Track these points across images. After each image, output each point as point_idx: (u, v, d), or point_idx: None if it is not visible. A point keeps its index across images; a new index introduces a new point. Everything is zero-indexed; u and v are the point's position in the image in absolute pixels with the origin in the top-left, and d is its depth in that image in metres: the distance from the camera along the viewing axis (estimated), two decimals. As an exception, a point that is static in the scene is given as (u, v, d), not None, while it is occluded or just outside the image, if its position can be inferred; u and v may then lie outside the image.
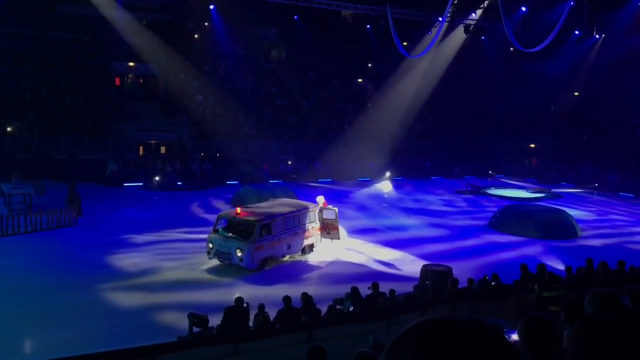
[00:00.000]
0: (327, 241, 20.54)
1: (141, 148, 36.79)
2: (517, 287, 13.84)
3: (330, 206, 20.77)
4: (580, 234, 24.27)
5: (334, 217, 20.38)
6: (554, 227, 23.67)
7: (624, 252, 18.48)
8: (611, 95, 41.76)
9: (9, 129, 33.13)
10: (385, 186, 35.76)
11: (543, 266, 13.95)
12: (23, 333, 12.90)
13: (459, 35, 39.43)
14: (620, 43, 40.16)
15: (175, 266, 17.81)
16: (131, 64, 39.71)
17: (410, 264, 18.75)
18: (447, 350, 1.06)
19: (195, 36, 43.63)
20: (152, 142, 37.44)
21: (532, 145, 42.91)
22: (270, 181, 34.15)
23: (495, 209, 27.10)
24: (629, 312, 4.11)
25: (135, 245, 20.06)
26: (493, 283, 14.04)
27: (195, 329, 11.72)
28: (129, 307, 14.47)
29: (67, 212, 22.52)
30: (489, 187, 35.31)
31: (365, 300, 12.73)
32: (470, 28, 37.57)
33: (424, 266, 16.42)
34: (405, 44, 36.14)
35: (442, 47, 40.43)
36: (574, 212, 27.02)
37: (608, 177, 36.42)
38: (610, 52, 40.79)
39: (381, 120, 41.05)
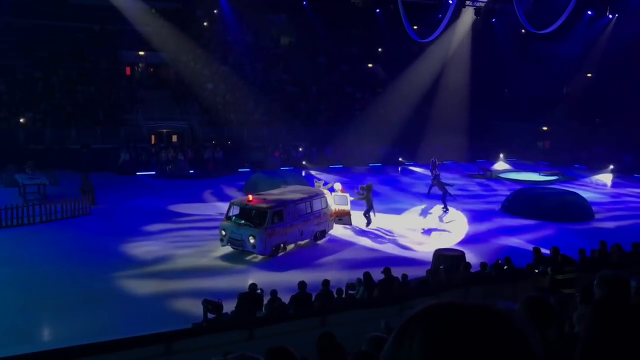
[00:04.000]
0: (339, 227, 20.59)
1: (153, 137, 36.92)
2: (530, 271, 13.80)
3: (342, 192, 20.81)
4: (594, 216, 24.11)
5: (345, 203, 20.41)
6: (567, 210, 23.51)
7: (638, 234, 18.30)
8: (624, 77, 41.18)
9: (21, 120, 33.39)
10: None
11: (556, 249, 13.87)
12: (39, 321, 13.10)
13: (469, 18, 39.04)
14: (635, 23, 39.50)
15: (189, 254, 17.94)
16: (141, 53, 39.80)
17: (423, 249, 18.75)
18: (456, 332, 1.06)
19: (205, 24, 43.58)
20: (164, 131, 37.56)
21: (545, 128, 42.54)
22: (282, 168, 34.20)
23: (508, 193, 26.97)
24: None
25: (149, 234, 20.20)
26: (506, 267, 14.01)
27: (210, 316, 11.81)
28: (144, 294, 14.61)
29: (81, 202, 22.72)
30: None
31: (378, 285, 12.77)
32: (481, 10, 37.19)
33: (437, 251, 16.39)
34: (415, 27, 35.88)
35: (452, 30, 40.07)
36: (587, 195, 26.81)
37: (622, 159, 36.04)
38: (624, 32, 40.14)
39: (392, 105, 40.87)
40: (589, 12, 40.90)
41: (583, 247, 15.44)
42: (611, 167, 34.16)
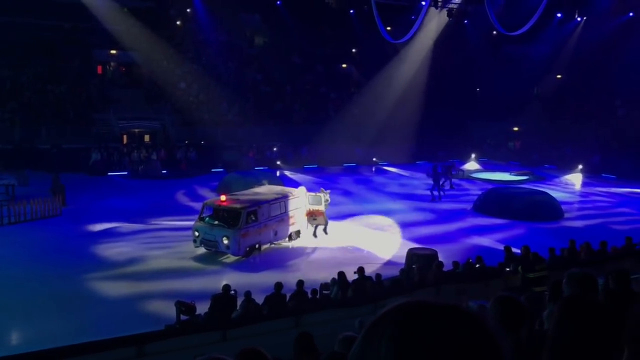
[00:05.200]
0: (313, 227, 20.59)
1: (125, 137, 36.49)
2: (502, 269, 13.99)
3: (320, 192, 20.76)
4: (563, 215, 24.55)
5: (320, 203, 20.43)
6: (537, 209, 23.89)
7: (606, 233, 18.69)
8: (593, 78, 42.03)
9: (-11, 119, 32.71)
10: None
11: (527, 248, 14.08)
12: (9, 324, 12.83)
13: (442, 19, 39.41)
14: (602, 25, 40.37)
15: (162, 255, 17.78)
16: (113, 51, 39.28)
17: (396, 248, 18.86)
18: (424, 332, 1.07)
19: (178, 23, 43.17)
20: (136, 130, 37.15)
21: (516, 128, 43.16)
22: (256, 168, 34.09)
23: (479, 192, 27.30)
24: (609, 291, 4.19)
25: (121, 235, 19.97)
26: (478, 265, 14.18)
27: (183, 317, 11.72)
28: (116, 296, 14.43)
29: (51, 203, 22.35)
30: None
31: (352, 284, 12.82)
32: (453, 12, 37.57)
33: (410, 250, 16.53)
34: (388, 28, 36.07)
35: (425, 32, 40.41)
36: (557, 194, 27.28)
37: (591, 159, 36.75)
38: (592, 34, 41.00)
39: (366, 106, 41.06)
40: (559, 15, 41.65)
41: (553, 246, 15.71)
42: (580, 167, 34.82)
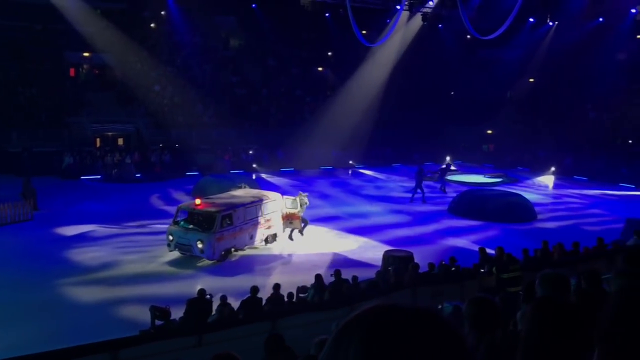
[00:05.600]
0: (289, 230, 20.55)
1: (98, 140, 36.00)
2: (477, 270, 14.12)
3: (300, 195, 20.72)
4: (537, 217, 24.90)
5: (296, 206, 20.41)
6: (511, 211, 24.19)
7: (578, 234, 19.00)
8: (565, 81, 42.76)
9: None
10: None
11: (501, 249, 14.24)
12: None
13: (417, 23, 39.69)
14: (573, 30, 41.10)
15: (136, 259, 17.58)
16: (86, 54, 38.70)
17: (372, 251, 18.91)
18: (392, 335, 1.07)
19: (152, 25, 42.76)
20: (110, 133, 36.69)
21: (490, 131, 43.66)
22: (232, 171, 33.91)
23: (454, 194, 27.55)
24: (582, 291, 4.24)
25: (94, 239, 19.70)
26: (453, 268, 14.27)
27: (158, 322, 11.60)
28: (89, 302, 14.23)
29: (22, 207, 21.95)
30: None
31: (329, 287, 12.82)
32: (428, 16, 37.86)
33: (386, 252, 16.59)
34: (364, 32, 36.17)
35: (400, 36, 40.65)
36: (530, 196, 27.65)
37: (563, 161, 37.35)
38: (563, 38, 41.70)
39: (342, 108, 41.13)
40: (531, 20, 42.25)
41: (526, 247, 15.93)
42: (552, 169, 35.37)
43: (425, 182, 28.84)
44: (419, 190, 27.61)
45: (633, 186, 32.99)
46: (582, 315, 2.17)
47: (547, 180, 34.66)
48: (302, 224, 20.47)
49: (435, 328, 1.09)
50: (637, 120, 38.26)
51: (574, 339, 2.10)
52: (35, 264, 16.66)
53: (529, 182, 34.45)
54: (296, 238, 20.30)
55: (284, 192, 21.89)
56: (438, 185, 30.33)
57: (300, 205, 20.32)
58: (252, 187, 23.91)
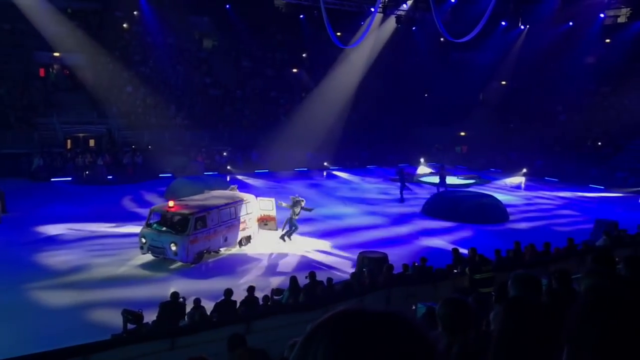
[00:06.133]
0: (264, 232, 20.48)
1: (69, 141, 35.41)
2: (450, 271, 14.24)
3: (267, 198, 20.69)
4: (509, 218, 25.22)
5: (270, 208, 20.34)
6: (484, 212, 24.47)
7: (549, 235, 19.29)
8: (536, 84, 43.47)
9: None
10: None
11: (474, 249, 14.40)
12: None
13: (390, 25, 39.95)
14: (544, 34, 41.82)
15: (107, 262, 17.32)
16: (56, 54, 38.06)
17: (347, 252, 18.95)
18: (360, 339, 1.07)
19: (124, 25, 42.27)
20: (81, 135, 36.12)
21: (463, 133, 44.12)
22: (206, 173, 33.68)
23: (428, 196, 27.76)
24: (553, 291, 4.30)
25: (64, 242, 19.37)
26: (429, 267, 14.36)
27: (130, 326, 11.46)
28: (60, 306, 13.97)
29: (-11, 210, 21.49)
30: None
31: (303, 289, 12.80)
32: (402, 19, 38.15)
33: (361, 253, 16.64)
34: (339, 34, 36.29)
35: (374, 38, 40.86)
36: (502, 197, 28.00)
37: (534, 162, 37.92)
38: (534, 42, 42.41)
39: (317, 110, 41.16)
40: (503, 23, 42.86)
41: (499, 248, 16.13)
42: (524, 170, 35.88)
43: (399, 184, 29.06)
44: (405, 189, 28.22)
45: (602, 187, 33.66)
46: (553, 315, 2.20)
47: (519, 181, 35.16)
48: (293, 228, 20.32)
49: (402, 332, 1.10)
50: (607, 123, 39.07)
51: (544, 338, 2.12)
52: (4, 268, 16.30)
53: (501, 183, 34.88)
54: (272, 240, 20.19)
55: (258, 194, 21.77)
56: (441, 189, 29.89)
57: (294, 208, 20.16)
58: (225, 189, 23.71)
